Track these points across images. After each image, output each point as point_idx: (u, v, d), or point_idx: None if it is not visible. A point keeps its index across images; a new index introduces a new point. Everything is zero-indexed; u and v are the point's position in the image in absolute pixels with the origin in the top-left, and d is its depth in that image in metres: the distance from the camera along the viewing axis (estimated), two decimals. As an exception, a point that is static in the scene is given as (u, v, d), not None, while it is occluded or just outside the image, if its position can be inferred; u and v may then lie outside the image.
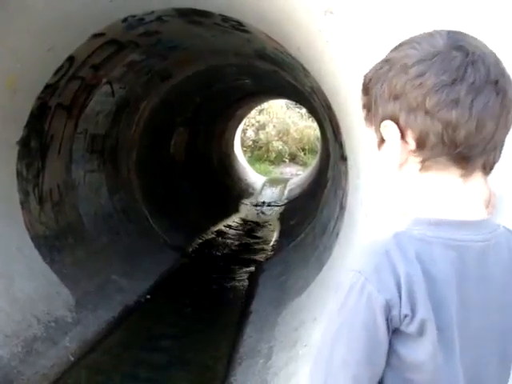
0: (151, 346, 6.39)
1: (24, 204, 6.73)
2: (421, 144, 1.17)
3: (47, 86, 6.62)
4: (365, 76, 1.28)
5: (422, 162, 1.19)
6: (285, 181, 22.28)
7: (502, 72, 1.15)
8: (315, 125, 21.97)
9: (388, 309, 1.10)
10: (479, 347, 1.19)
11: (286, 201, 17.55)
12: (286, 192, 19.57)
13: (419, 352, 1.12)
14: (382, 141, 1.25)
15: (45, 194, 7.27)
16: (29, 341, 5.68)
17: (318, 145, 22.50)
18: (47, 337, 5.91)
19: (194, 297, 8.13)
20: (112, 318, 6.85)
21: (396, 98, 1.17)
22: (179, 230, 11.07)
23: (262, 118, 27.40)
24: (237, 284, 8.98)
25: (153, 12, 6.56)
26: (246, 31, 6.83)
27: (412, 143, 1.18)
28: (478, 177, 1.19)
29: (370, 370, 1.13)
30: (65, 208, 7.79)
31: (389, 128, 1.20)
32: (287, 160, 27.06)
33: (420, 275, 1.11)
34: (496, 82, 1.12)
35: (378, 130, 1.25)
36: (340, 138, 6.43)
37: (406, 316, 1.10)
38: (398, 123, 1.19)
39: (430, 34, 1.19)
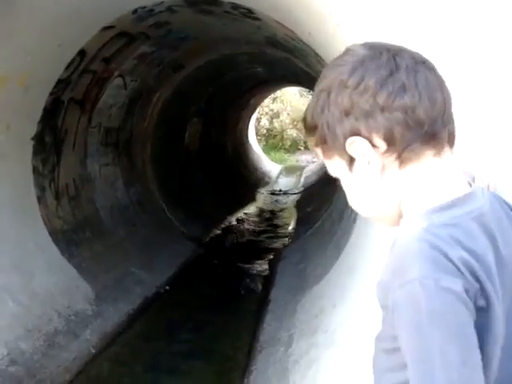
0: (171, 337, 6.41)
1: (41, 199, 6.77)
2: (390, 140, 1.19)
3: (59, 81, 6.62)
4: (304, 120, 1.31)
5: (398, 157, 1.21)
6: (300, 168, 22.23)
7: (422, 56, 1.23)
8: (329, 111, 21.85)
9: (467, 292, 1.09)
10: None
11: (302, 188, 17.51)
12: (301, 179, 19.53)
13: (489, 322, 1.13)
14: (351, 162, 1.26)
15: (61, 189, 7.30)
16: (50, 334, 5.73)
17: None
18: (68, 330, 5.95)
19: (213, 287, 8.15)
20: (132, 310, 6.88)
21: (348, 113, 1.20)
22: (196, 220, 11.08)
23: (276, 107, 27.32)
24: (255, 273, 8.98)
25: (162, 2, 6.53)
26: (257, 18, 6.78)
27: (382, 144, 1.20)
28: (447, 151, 1.23)
29: (478, 357, 1.10)
30: (81, 202, 7.82)
31: (356, 142, 1.22)
32: (302, 148, 26.99)
33: (465, 252, 1.11)
34: (424, 62, 1.20)
35: (343, 153, 1.25)
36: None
37: (476, 292, 1.11)
38: (359, 135, 1.21)
39: (346, 52, 1.25)
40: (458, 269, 1.09)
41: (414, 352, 1.10)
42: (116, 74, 8.04)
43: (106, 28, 6.64)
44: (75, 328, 6.06)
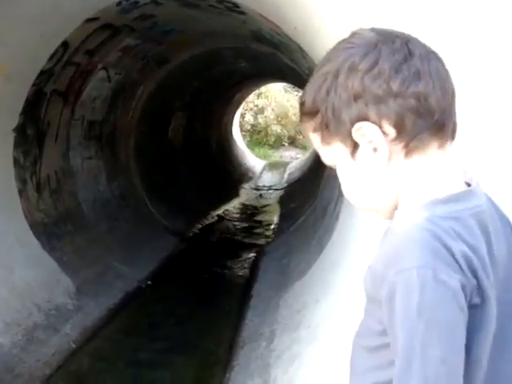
0: (153, 332, 6.37)
1: (22, 192, 6.69)
2: (401, 128, 1.16)
3: (42, 73, 6.54)
4: (302, 104, 1.27)
5: (406, 146, 1.18)
6: (284, 164, 22.24)
7: (430, 46, 1.21)
8: (314, 107, 21.89)
9: (464, 288, 1.07)
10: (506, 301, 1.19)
11: (285, 184, 17.51)
12: (285, 175, 19.54)
13: (482, 319, 1.12)
14: (354, 149, 1.22)
15: (42, 182, 7.22)
16: (30, 329, 5.67)
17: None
18: (48, 324, 5.89)
19: (195, 282, 8.12)
20: (113, 304, 6.83)
21: (357, 97, 1.17)
22: (179, 215, 11.03)
23: (261, 102, 27.28)
24: (238, 268, 8.97)
25: (147, -6, 6.49)
26: (242, 12, 6.74)
27: (391, 131, 1.17)
28: (449, 144, 1.21)
29: (462, 357, 1.08)
30: (63, 195, 7.75)
31: (364, 128, 1.18)
32: (286, 144, 27.02)
33: (467, 248, 1.10)
34: (433, 52, 1.19)
35: (347, 139, 1.21)
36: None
37: (473, 288, 1.09)
38: (367, 120, 1.17)
39: (352, 35, 1.23)
40: (458, 262, 1.08)
41: (400, 343, 1.08)
42: (100, 66, 7.97)
43: (89, 20, 6.56)
44: (55, 322, 6.00)
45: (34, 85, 6.50)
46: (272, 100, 27.42)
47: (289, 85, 24.25)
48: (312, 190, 11.35)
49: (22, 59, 6.03)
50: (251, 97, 25.02)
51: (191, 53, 10.34)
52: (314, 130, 1.27)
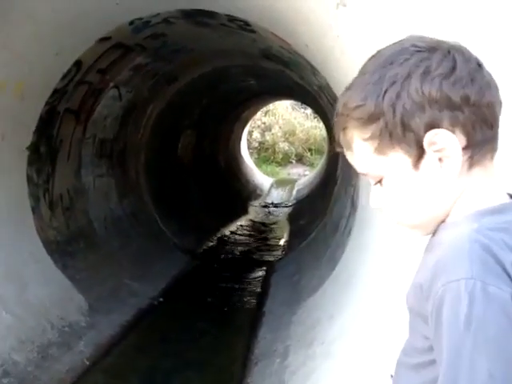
0: (166, 349, 6.36)
1: (35, 209, 6.73)
2: (471, 138, 1.13)
3: (55, 91, 6.61)
4: (358, 107, 1.18)
5: (471, 157, 1.15)
6: (292, 181, 22.26)
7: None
8: (321, 125, 21.96)
9: None
10: None
11: (294, 201, 17.52)
12: (294, 192, 19.55)
13: None
14: (419, 158, 1.16)
15: (55, 199, 7.27)
16: (44, 346, 5.67)
17: (325, 145, 22.49)
18: (62, 342, 5.90)
19: (207, 299, 8.10)
20: (126, 321, 6.83)
21: (433, 102, 1.11)
22: (189, 232, 11.06)
23: (268, 120, 27.39)
24: (249, 285, 8.96)
25: (159, 14, 6.55)
26: (252, 31, 6.81)
27: (463, 141, 1.13)
28: (492, 160, 1.20)
29: None
30: (75, 213, 7.79)
31: (440, 135, 1.13)
32: (294, 161, 27.04)
33: None
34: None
35: (412, 147, 1.15)
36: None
37: None
38: (440, 127, 1.13)
39: (411, 39, 1.19)
40: (508, 274, 1.04)
41: (446, 356, 1.05)
42: (111, 85, 8.05)
43: (102, 39, 6.64)
44: (69, 340, 6.00)
45: (47, 103, 6.56)
46: (279, 117, 27.53)
47: (296, 102, 24.33)
48: (321, 206, 11.35)
49: (37, 77, 6.09)
50: (259, 114, 25.12)
51: (200, 71, 10.42)
52: (371, 138, 1.19)
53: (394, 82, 1.13)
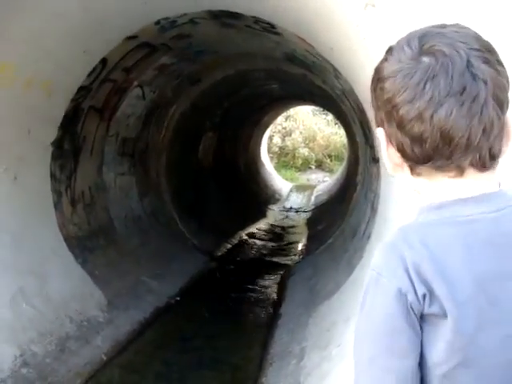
0: (183, 347, 6.41)
1: (57, 205, 6.81)
2: (402, 153, 1.20)
3: (81, 88, 6.70)
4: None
5: (410, 168, 1.22)
6: (311, 187, 22.23)
7: (473, 75, 1.11)
8: (341, 131, 21.92)
9: (403, 296, 1.12)
10: (503, 317, 1.14)
11: (313, 206, 17.50)
12: (312, 198, 19.52)
13: (446, 333, 1.11)
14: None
15: (77, 196, 7.35)
16: (62, 339, 5.74)
17: (345, 151, 22.43)
18: (80, 336, 5.96)
19: (224, 300, 8.13)
20: (143, 318, 6.88)
21: (378, 108, 1.22)
22: (207, 233, 11.09)
23: (289, 125, 27.39)
24: (266, 287, 8.97)
25: (185, 14, 6.60)
26: (277, 33, 6.83)
27: (396, 152, 1.22)
28: (471, 173, 1.18)
29: (399, 361, 1.13)
30: (96, 210, 7.86)
31: (379, 135, 1.24)
32: (313, 166, 27.00)
33: (425, 258, 1.12)
34: (461, 92, 1.10)
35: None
36: (372, 139, 6.40)
37: (424, 296, 1.11)
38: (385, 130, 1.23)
39: (401, 43, 1.19)
40: (406, 270, 1.13)
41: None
42: (135, 84, 8.12)
43: (129, 38, 6.71)
44: (87, 334, 6.06)
45: (72, 100, 6.64)
46: (300, 123, 27.52)
47: (317, 108, 24.31)
48: (340, 212, 11.34)
49: (64, 74, 6.18)
50: (279, 119, 25.15)
51: (223, 73, 10.47)
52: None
53: (374, 75, 1.25)
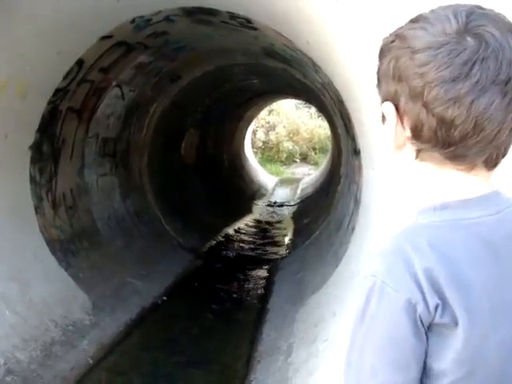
0: (170, 347, 6.36)
1: (38, 209, 6.73)
2: (416, 134, 1.11)
3: (57, 90, 6.61)
4: (382, 40, 1.17)
5: (417, 151, 1.14)
6: (297, 180, 22.25)
7: None
8: (325, 124, 21.95)
9: (412, 307, 1.04)
10: (500, 322, 1.10)
11: (298, 200, 17.51)
12: (298, 191, 19.54)
13: (456, 343, 1.05)
14: (383, 117, 1.17)
15: (58, 199, 7.27)
16: (47, 344, 5.67)
17: (329, 143, 22.46)
18: (65, 340, 5.90)
19: (211, 298, 8.10)
20: (129, 320, 6.83)
21: (399, 80, 1.10)
22: (192, 231, 11.05)
23: (272, 119, 27.39)
24: (253, 283, 8.96)
25: (160, 12, 6.54)
26: (254, 28, 6.80)
27: (408, 131, 1.12)
28: (479, 170, 1.13)
29: (403, 374, 1.06)
30: (78, 212, 7.79)
31: (388, 110, 1.14)
32: (298, 160, 27.04)
33: (437, 263, 1.05)
34: (506, 82, 1.03)
35: (381, 105, 1.17)
36: (352, 131, 6.38)
37: (437, 306, 1.04)
38: (397, 105, 1.12)
39: (447, 14, 1.07)
40: (415, 278, 1.05)
41: (349, 343, 1.13)
42: (114, 83, 8.04)
43: (104, 37, 6.64)
44: (72, 338, 6.00)
45: (49, 102, 6.56)
46: (283, 117, 27.51)
47: (300, 101, 24.31)
48: (326, 204, 11.34)
49: (39, 76, 6.10)
50: (263, 113, 25.12)
51: (203, 70, 10.41)
52: (376, 72, 1.20)
53: (393, 41, 1.14)
